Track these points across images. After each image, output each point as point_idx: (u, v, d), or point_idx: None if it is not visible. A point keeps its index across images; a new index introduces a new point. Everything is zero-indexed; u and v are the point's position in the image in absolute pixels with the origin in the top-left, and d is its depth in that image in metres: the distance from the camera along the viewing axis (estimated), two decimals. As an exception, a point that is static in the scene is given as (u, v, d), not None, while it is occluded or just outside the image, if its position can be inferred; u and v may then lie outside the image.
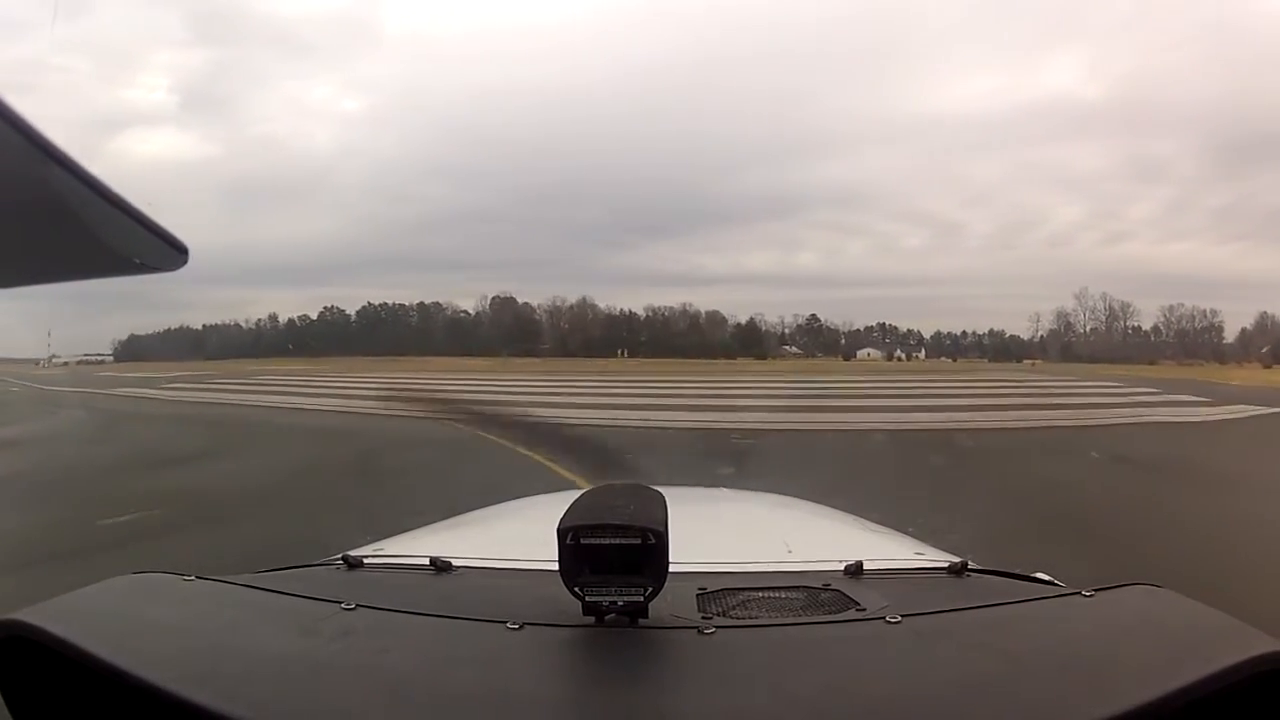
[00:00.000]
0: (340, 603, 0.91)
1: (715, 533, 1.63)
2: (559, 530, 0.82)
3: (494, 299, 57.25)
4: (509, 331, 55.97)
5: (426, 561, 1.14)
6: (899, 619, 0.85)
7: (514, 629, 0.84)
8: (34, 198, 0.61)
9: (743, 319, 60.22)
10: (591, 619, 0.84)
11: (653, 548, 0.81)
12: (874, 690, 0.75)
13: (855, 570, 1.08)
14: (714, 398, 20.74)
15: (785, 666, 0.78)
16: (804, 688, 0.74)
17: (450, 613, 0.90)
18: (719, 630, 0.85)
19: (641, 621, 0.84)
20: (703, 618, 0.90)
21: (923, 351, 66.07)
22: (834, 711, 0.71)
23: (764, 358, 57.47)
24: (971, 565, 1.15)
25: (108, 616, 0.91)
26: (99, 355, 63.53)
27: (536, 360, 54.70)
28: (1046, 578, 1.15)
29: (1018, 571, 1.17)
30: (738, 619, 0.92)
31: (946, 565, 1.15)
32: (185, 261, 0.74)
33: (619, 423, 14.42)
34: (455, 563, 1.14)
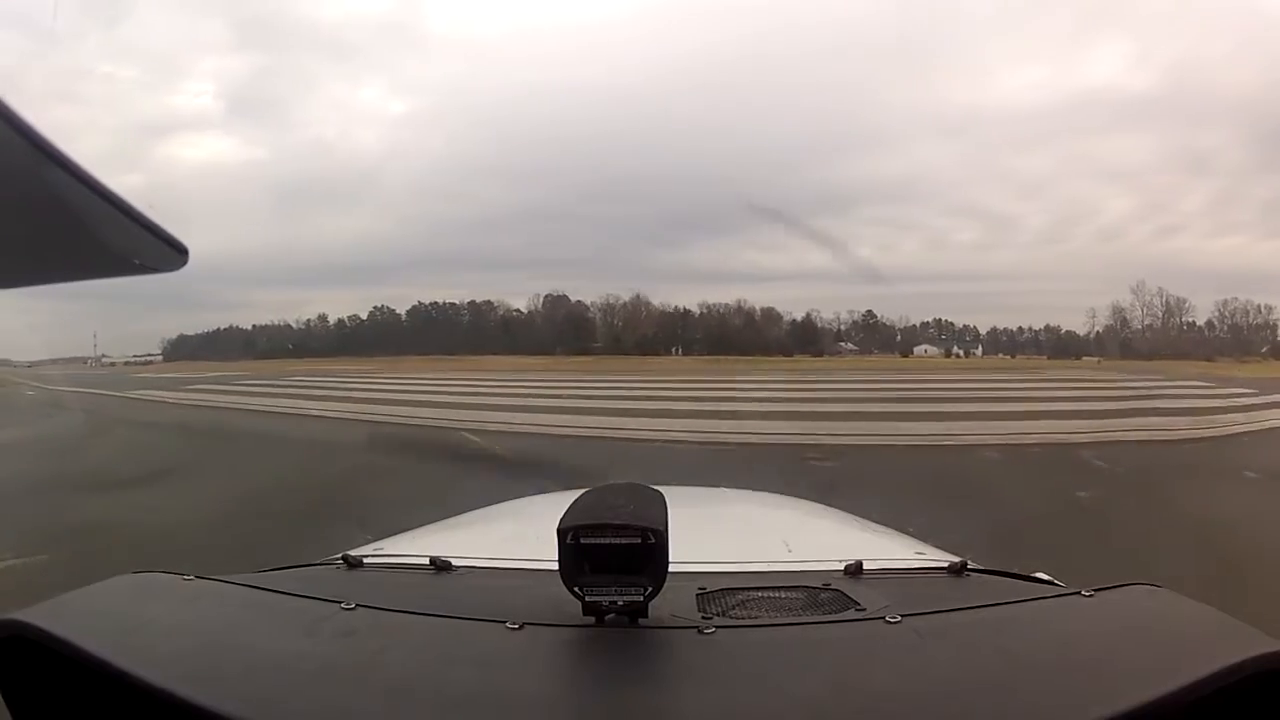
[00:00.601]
0: (340, 602, 0.91)
1: (715, 533, 1.61)
2: (559, 530, 0.82)
3: (546, 297, 56.78)
4: (562, 330, 55.48)
5: (426, 561, 1.14)
6: (899, 619, 0.86)
7: (514, 629, 0.84)
8: (34, 198, 0.62)
9: (798, 315, 58.67)
10: (591, 619, 0.84)
11: (653, 547, 0.81)
12: (874, 690, 0.75)
13: (855, 570, 1.08)
14: (779, 400, 18.02)
15: (785, 666, 0.78)
16: (804, 687, 0.74)
17: (450, 612, 0.90)
18: (719, 630, 0.85)
19: (641, 621, 0.84)
20: (702, 617, 0.90)
21: (979, 348, 63.57)
22: (834, 711, 0.71)
23: (820, 354, 55.94)
24: (971, 565, 1.15)
25: (108, 616, 0.91)
26: (148, 355, 65.15)
27: (589, 358, 53.99)
28: (1046, 577, 1.15)
29: (1018, 571, 1.16)
30: (737, 619, 0.92)
31: (946, 565, 1.15)
32: (185, 262, 0.74)
33: (675, 435, 11.94)
34: (455, 562, 1.13)
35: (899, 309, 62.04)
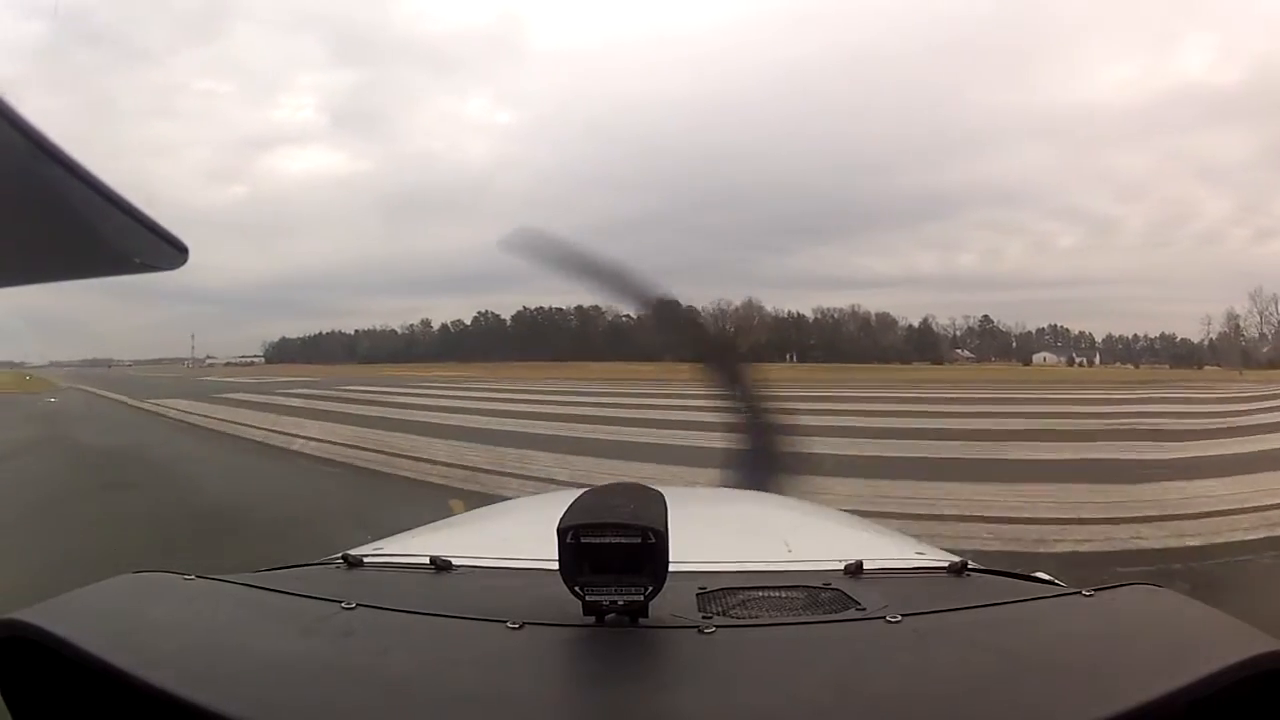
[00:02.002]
0: (340, 602, 0.91)
1: (715, 532, 1.59)
2: (559, 529, 0.81)
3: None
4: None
5: (426, 561, 1.13)
6: (899, 618, 0.85)
7: (514, 628, 0.84)
8: (34, 198, 0.62)
9: (913, 321, 56.57)
10: (591, 618, 0.83)
11: (653, 547, 0.81)
12: (874, 689, 0.75)
13: (855, 570, 1.07)
14: (985, 439, 12.41)
15: (785, 666, 0.78)
16: (804, 687, 0.74)
17: (450, 612, 0.89)
18: (719, 630, 0.85)
19: (641, 621, 0.84)
20: (703, 617, 0.89)
21: (1097, 356, 60.68)
22: (834, 711, 0.71)
23: (939, 362, 53.58)
24: (971, 565, 1.14)
25: (108, 616, 0.90)
26: (250, 357, 66.12)
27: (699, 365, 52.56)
28: (1046, 577, 1.15)
29: (1018, 571, 1.16)
30: (738, 618, 0.92)
31: (946, 565, 1.14)
32: (185, 261, 0.73)
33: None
34: (455, 562, 1.13)
35: (1006, 315, 59.60)
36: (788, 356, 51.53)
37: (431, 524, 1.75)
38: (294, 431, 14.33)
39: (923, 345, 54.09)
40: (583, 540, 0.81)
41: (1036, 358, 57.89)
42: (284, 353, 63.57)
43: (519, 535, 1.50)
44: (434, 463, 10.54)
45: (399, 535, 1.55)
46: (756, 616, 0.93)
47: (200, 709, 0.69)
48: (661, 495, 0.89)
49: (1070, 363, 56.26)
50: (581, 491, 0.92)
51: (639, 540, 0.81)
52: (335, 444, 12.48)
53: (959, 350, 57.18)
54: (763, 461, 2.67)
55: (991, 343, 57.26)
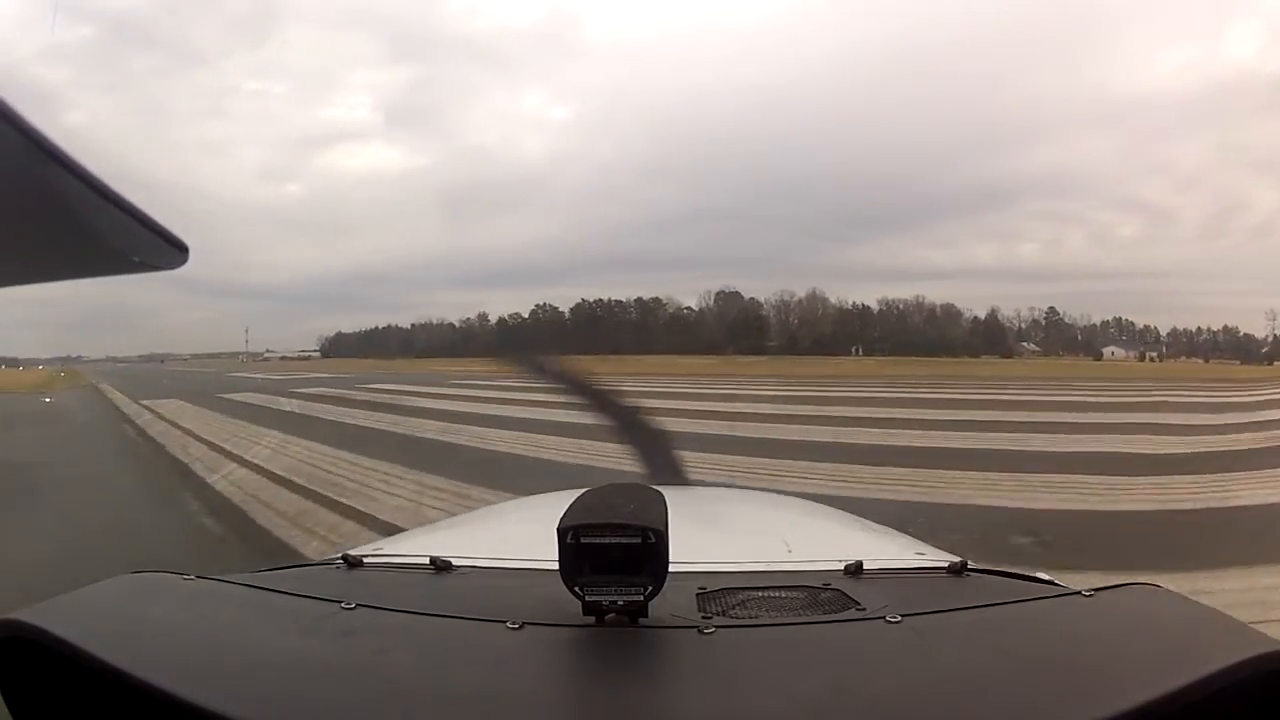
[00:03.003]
0: (340, 602, 0.91)
1: (715, 532, 1.59)
2: (559, 529, 0.81)
3: (718, 294, 54.84)
4: (734, 328, 53.48)
5: (426, 561, 1.13)
6: (899, 618, 0.85)
7: (514, 628, 0.84)
8: (34, 197, 0.62)
9: (978, 312, 55.46)
10: (591, 618, 0.83)
11: (653, 547, 0.81)
12: (874, 689, 0.75)
13: (855, 570, 1.07)
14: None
15: (785, 666, 0.78)
16: (804, 687, 0.74)
17: (450, 612, 0.89)
18: (719, 630, 0.85)
19: (641, 621, 0.84)
20: (703, 617, 0.89)
21: (1162, 350, 59.28)
22: (834, 711, 0.71)
23: (1009, 355, 52.34)
24: (971, 565, 1.14)
25: (108, 616, 0.90)
26: (306, 352, 66.46)
27: (763, 359, 51.25)
28: (1046, 577, 1.14)
29: (1018, 571, 1.16)
30: (738, 618, 0.92)
31: (946, 565, 1.14)
32: (185, 260, 0.73)
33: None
34: (455, 562, 1.13)
35: (1073, 307, 58.35)
36: (854, 349, 50.63)
37: (431, 524, 1.72)
38: (239, 453, 11.32)
39: (990, 338, 52.98)
40: (583, 540, 0.81)
41: (1105, 352, 56.58)
42: (340, 347, 63.74)
43: (519, 535, 1.49)
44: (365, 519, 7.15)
45: (399, 535, 1.54)
46: (756, 616, 0.93)
47: (200, 709, 0.69)
48: (661, 495, 0.89)
49: (1141, 358, 54.93)
50: (581, 491, 0.92)
51: (639, 540, 0.80)
52: (264, 475, 9.45)
53: (1024, 343, 56.04)
54: (653, 455, 2.47)
55: (1057, 336, 56.09)
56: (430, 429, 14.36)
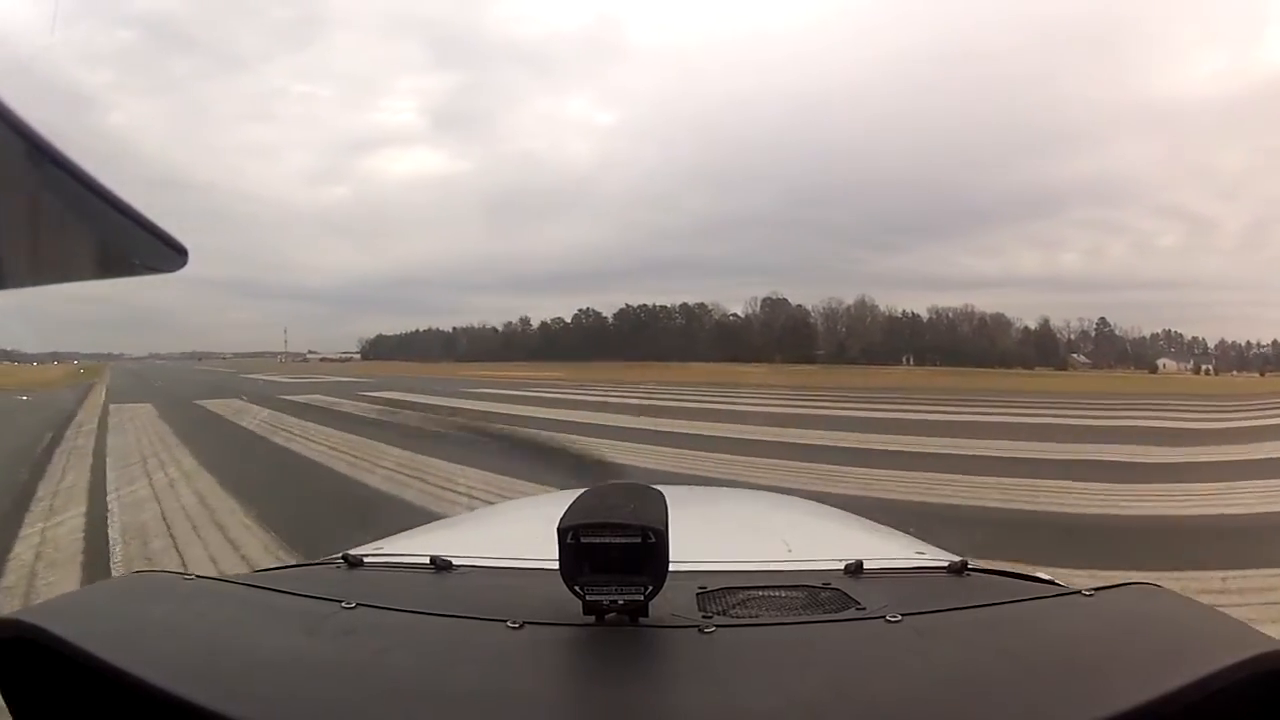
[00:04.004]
0: (340, 602, 0.91)
1: (715, 532, 1.58)
2: (559, 529, 0.82)
3: (765, 300, 54.19)
4: (781, 335, 52.79)
5: (427, 560, 1.13)
6: (899, 618, 0.85)
7: (514, 628, 0.84)
8: (34, 198, 0.62)
9: (1029, 322, 54.45)
10: (592, 618, 0.84)
11: (653, 546, 0.81)
12: (874, 689, 0.75)
13: (855, 569, 1.07)
14: None
15: (785, 665, 0.78)
16: (804, 687, 0.74)
17: (450, 612, 0.89)
18: (719, 629, 0.85)
19: (642, 620, 0.84)
20: (703, 617, 0.89)
21: (1212, 363, 58.18)
22: (834, 711, 0.71)
23: (1063, 368, 51.29)
24: (972, 565, 1.14)
25: (108, 616, 0.90)
26: (347, 354, 66.67)
27: (812, 367, 50.45)
28: (1047, 577, 1.14)
29: (1018, 571, 1.15)
30: (738, 618, 0.92)
31: (947, 565, 1.14)
32: (184, 263, 0.74)
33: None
34: (455, 562, 1.12)
35: (1127, 318, 57.28)
36: (905, 359, 49.81)
37: (431, 524, 1.76)
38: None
39: (1043, 349, 52.01)
40: (583, 540, 0.81)
41: (1157, 365, 55.49)
42: (379, 349, 63.70)
43: (519, 535, 1.48)
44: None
45: (399, 535, 1.54)
46: (756, 616, 0.93)
47: (201, 709, 0.69)
48: (661, 495, 0.89)
49: (1196, 370, 53.82)
50: (581, 491, 0.92)
51: (639, 540, 0.80)
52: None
53: (1074, 355, 55.04)
54: None
55: (1108, 347, 55.06)
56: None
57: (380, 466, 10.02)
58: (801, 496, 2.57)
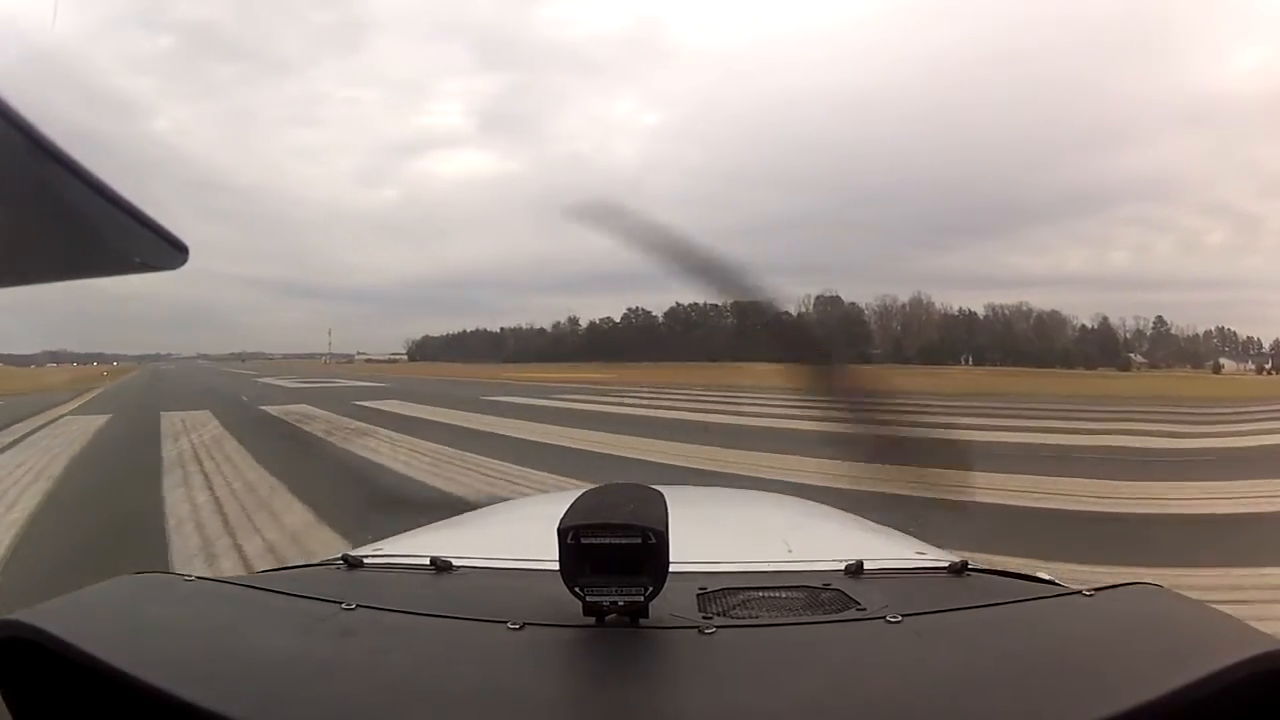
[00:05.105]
0: (340, 603, 0.91)
1: (715, 532, 1.59)
2: (559, 530, 0.81)
3: (818, 298, 53.71)
4: (835, 335, 52.26)
5: (427, 561, 1.13)
6: (899, 618, 0.85)
7: (514, 629, 0.84)
8: (34, 198, 0.62)
9: (1085, 321, 53.64)
10: (592, 619, 0.84)
11: (653, 547, 0.81)
12: (874, 689, 0.75)
13: (855, 570, 1.07)
14: None
15: (785, 666, 0.78)
16: (804, 687, 0.74)
17: (450, 613, 0.90)
18: (719, 630, 0.85)
19: (642, 621, 0.84)
20: (703, 617, 0.89)
21: (1269, 363, 57.18)
22: (834, 711, 0.71)
23: (1125, 368, 50.38)
24: (972, 565, 1.14)
25: (107, 617, 0.90)
26: (393, 355, 66.84)
27: (869, 368, 49.92)
28: (1047, 577, 1.13)
29: (1018, 571, 1.15)
30: (738, 619, 0.92)
31: (947, 565, 1.14)
32: (185, 260, 0.74)
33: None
34: (455, 562, 1.12)
35: (1184, 316, 56.37)
36: (963, 359, 49.14)
37: (431, 524, 1.73)
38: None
39: (1105, 348, 51.21)
40: (583, 541, 0.81)
41: (1216, 365, 54.59)
42: (426, 350, 63.75)
43: (519, 535, 1.48)
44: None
45: (399, 536, 1.53)
46: (757, 617, 0.93)
47: (201, 710, 0.69)
48: (662, 496, 0.89)
49: (1259, 370, 52.84)
50: (581, 491, 0.92)
51: (639, 541, 0.80)
52: None
53: (1131, 354, 54.20)
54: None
55: (1166, 346, 54.18)
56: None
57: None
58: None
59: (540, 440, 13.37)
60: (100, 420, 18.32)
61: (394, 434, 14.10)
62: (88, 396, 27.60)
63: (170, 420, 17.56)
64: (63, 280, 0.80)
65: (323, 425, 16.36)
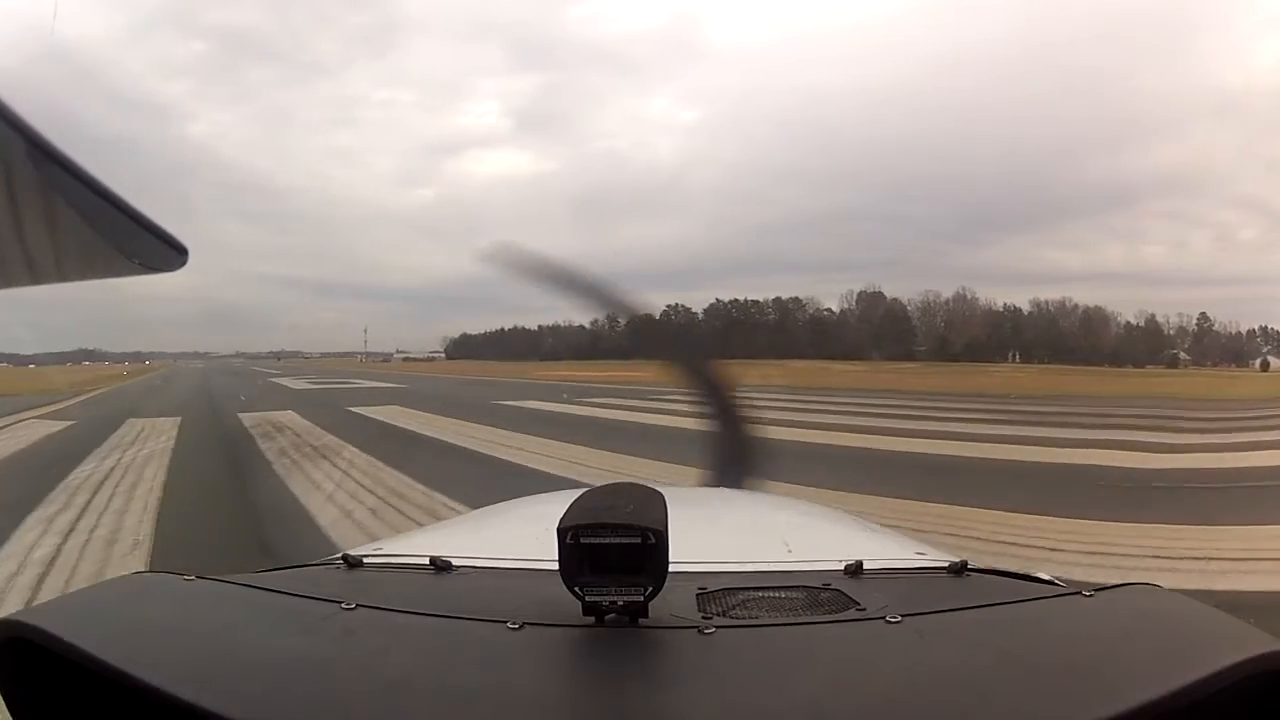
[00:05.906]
0: (340, 602, 0.91)
1: (715, 532, 1.59)
2: (559, 530, 0.81)
3: (860, 294, 53.43)
4: (878, 331, 51.93)
5: (427, 561, 1.13)
6: (899, 618, 0.85)
7: (514, 629, 0.84)
8: (34, 198, 0.62)
9: (1129, 317, 53.19)
10: (591, 619, 0.84)
11: (653, 547, 0.81)
12: (874, 690, 0.75)
13: (855, 570, 1.06)
14: None
15: (785, 666, 0.78)
16: (804, 687, 0.74)
17: (450, 612, 0.89)
18: (719, 630, 0.85)
19: (641, 621, 0.84)
20: (703, 617, 0.89)
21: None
22: (834, 711, 0.71)
23: (1173, 366, 49.92)
24: (972, 565, 1.14)
25: (107, 616, 0.90)
26: (432, 352, 66.87)
27: (913, 365, 49.37)
28: (1047, 577, 1.14)
29: (1018, 571, 1.15)
30: (738, 618, 0.92)
31: (946, 565, 1.14)
32: (184, 262, 0.74)
33: None
34: (455, 562, 1.12)
35: (1225, 313, 55.88)
36: (1010, 355, 48.73)
37: (431, 524, 1.74)
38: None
39: (1151, 345, 50.77)
40: (582, 540, 0.81)
41: (1260, 362, 54.08)
42: (464, 348, 63.72)
43: (519, 535, 1.45)
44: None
45: (399, 536, 1.56)
46: (756, 617, 0.93)
47: (200, 710, 0.69)
48: (661, 495, 0.89)
49: (1303, 366, 52.29)
50: (581, 491, 0.92)
51: (639, 540, 0.80)
52: None
53: (1173, 351, 53.74)
54: (736, 462, 2.53)
55: (1211, 343, 53.69)
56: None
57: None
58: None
59: (545, 463, 11.22)
60: (57, 427, 17.35)
61: (358, 454, 11.83)
62: (76, 400, 26.87)
63: (130, 428, 16.48)
64: (63, 281, 0.79)
65: (289, 440, 14.23)
